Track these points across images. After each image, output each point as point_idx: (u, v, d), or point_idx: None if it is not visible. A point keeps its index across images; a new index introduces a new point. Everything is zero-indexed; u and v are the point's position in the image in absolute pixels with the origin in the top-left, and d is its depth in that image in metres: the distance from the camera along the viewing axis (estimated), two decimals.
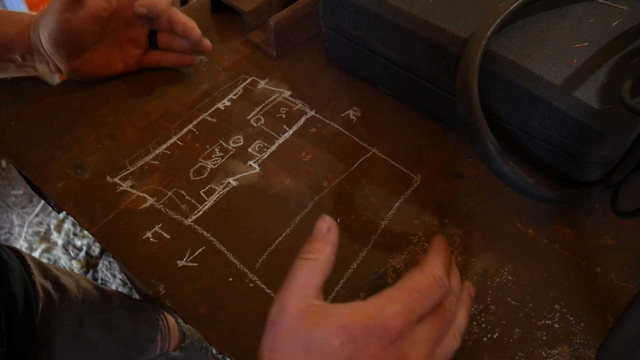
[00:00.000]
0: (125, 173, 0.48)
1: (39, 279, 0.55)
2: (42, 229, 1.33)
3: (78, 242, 1.30)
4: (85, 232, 1.30)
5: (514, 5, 0.43)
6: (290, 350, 0.29)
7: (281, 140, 0.51)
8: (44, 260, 0.73)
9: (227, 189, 0.47)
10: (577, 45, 0.43)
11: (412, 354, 0.30)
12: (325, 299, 0.40)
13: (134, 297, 0.81)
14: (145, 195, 0.47)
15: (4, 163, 1.45)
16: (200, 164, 0.49)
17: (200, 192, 0.47)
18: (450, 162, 0.49)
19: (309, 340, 0.29)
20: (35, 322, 0.52)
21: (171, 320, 0.86)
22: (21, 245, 1.30)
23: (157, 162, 0.49)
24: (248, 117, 0.53)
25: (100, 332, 0.61)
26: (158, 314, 0.79)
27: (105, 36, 0.52)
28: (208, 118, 0.53)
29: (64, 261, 1.27)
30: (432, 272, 0.32)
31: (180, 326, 0.90)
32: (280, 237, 0.44)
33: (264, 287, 0.41)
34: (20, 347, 0.49)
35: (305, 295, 0.31)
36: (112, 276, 1.24)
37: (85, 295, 0.61)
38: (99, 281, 1.24)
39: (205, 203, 0.46)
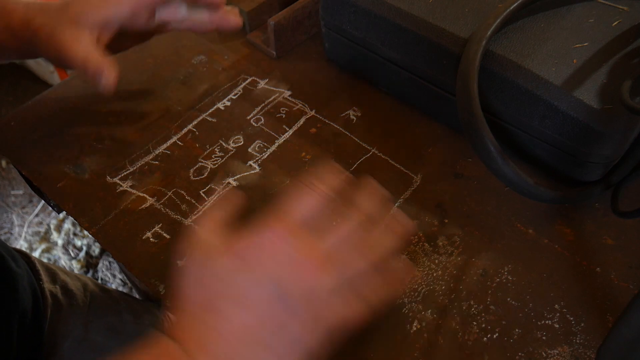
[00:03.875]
0: (125, 173, 0.48)
1: (47, 284, 0.55)
2: (42, 229, 1.33)
3: (78, 242, 1.30)
4: (85, 232, 1.30)
5: (514, 5, 0.43)
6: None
7: (281, 140, 0.51)
8: (44, 260, 0.73)
9: (227, 189, 0.47)
10: (577, 45, 0.43)
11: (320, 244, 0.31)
12: None
13: (134, 297, 0.81)
14: (145, 195, 0.47)
15: (4, 163, 1.45)
16: (200, 164, 0.49)
17: (200, 192, 0.47)
18: (450, 162, 0.49)
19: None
20: (44, 330, 0.52)
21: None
22: (21, 245, 1.30)
23: (157, 162, 0.49)
24: (248, 117, 0.53)
25: (106, 336, 0.61)
26: (163, 315, 0.79)
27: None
28: (208, 118, 0.53)
29: (64, 261, 1.26)
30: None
31: None
32: None
33: None
34: (28, 355, 0.49)
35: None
36: (112, 276, 1.24)
37: (92, 299, 0.61)
38: (99, 281, 1.24)
39: (205, 203, 0.46)
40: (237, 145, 0.51)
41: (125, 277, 1.22)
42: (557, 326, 0.39)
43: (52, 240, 1.31)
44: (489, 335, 0.39)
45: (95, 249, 1.29)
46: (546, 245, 0.44)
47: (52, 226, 1.33)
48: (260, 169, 0.49)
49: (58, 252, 1.28)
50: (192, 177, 0.48)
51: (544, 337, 0.39)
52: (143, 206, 0.46)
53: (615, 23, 0.44)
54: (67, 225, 1.33)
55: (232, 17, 0.49)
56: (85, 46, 0.42)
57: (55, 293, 0.56)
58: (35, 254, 1.29)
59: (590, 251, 0.43)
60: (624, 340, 0.32)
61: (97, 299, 0.62)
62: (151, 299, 0.91)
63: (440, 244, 0.44)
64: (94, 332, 0.59)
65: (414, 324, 0.39)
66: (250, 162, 0.49)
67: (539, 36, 0.44)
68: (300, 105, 0.54)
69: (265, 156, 0.50)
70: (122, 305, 0.66)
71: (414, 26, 0.47)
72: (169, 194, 0.47)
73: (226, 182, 0.48)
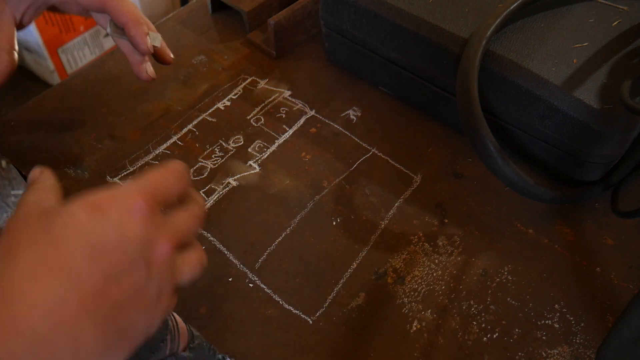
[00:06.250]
0: (125, 173, 0.48)
1: None
2: None
3: None
4: None
5: (514, 5, 0.43)
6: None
7: (281, 140, 0.51)
8: None
9: (227, 189, 0.47)
10: (577, 45, 0.43)
11: (162, 233, 0.27)
12: (325, 299, 0.41)
13: None
14: None
15: (4, 163, 1.45)
16: (200, 164, 0.49)
17: (200, 192, 0.47)
18: (450, 162, 0.49)
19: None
20: None
21: (180, 320, 0.86)
22: None
23: (157, 162, 0.49)
24: (248, 117, 0.53)
25: None
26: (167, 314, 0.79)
27: None
28: (208, 118, 0.53)
29: None
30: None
31: (189, 327, 0.89)
32: (280, 237, 0.44)
33: (264, 287, 0.41)
34: None
35: None
36: None
37: None
38: None
39: (205, 203, 0.46)
40: (237, 145, 0.51)
41: None
42: (557, 326, 0.39)
43: None
44: (489, 335, 0.39)
45: None
46: (546, 245, 0.44)
47: None
48: (260, 169, 0.49)
49: None
50: (192, 177, 0.48)
51: (544, 337, 0.39)
52: None
53: (615, 23, 0.44)
54: None
55: (144, 73, 0.48)
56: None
57: None
58: None
59: (590, 251, 0.43)
60: (624, 340, 0.32)
61: None
62: None
63: (440, 243, 0.44)
64: None
65: (414, 324, 0.39)
66: (250, 162, 0.49)
67: (539, 36, 0.44)
68: (300, 105, 0.54)
69: (265, 156, 0.50)
70: None
71: (414, 26, 0.47)
72: None
73: (226, 182, 0.48)
